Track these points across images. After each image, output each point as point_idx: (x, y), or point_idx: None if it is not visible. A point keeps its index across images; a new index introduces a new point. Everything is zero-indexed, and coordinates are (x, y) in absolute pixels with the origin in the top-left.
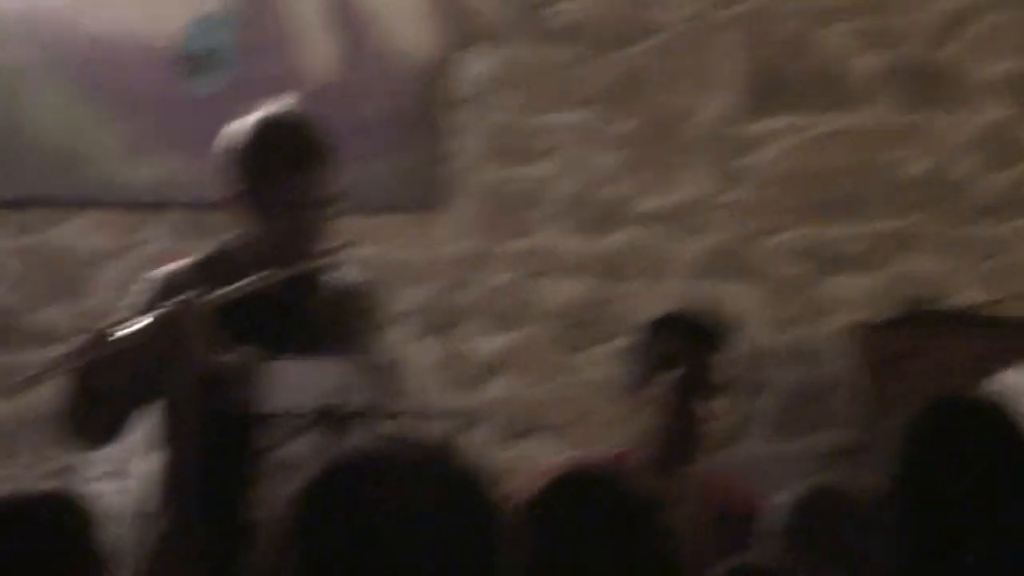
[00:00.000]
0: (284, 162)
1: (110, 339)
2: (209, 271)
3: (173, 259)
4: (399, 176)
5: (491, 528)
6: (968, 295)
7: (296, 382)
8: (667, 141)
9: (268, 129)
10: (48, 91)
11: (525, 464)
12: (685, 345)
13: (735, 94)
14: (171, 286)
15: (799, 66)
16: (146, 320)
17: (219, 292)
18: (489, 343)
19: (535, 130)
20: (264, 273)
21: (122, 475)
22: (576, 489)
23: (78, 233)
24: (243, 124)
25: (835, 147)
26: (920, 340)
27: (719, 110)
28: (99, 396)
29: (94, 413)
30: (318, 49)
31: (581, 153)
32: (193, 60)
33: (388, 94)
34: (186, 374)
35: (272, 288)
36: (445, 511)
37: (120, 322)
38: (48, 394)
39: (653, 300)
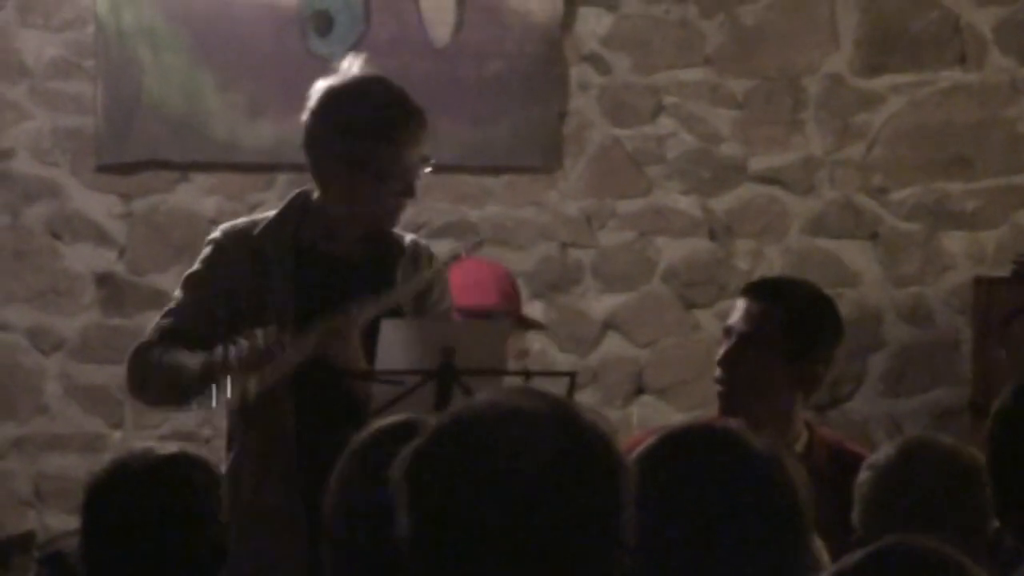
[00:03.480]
0: (380, 129)
1: (285, 350)
2: (288, 228)
3: None
4: (519, 136)
5: (615, 481)
6: None
7: (414, 340)
8: (784, 99)
9: (364, 94)
10: (168, 54)
11: (639, 423)
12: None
13: (852, 51)
14: (246, 239)
15: (917, 22)
16: (312, 334)
17: (374, 303)
18: (605, 302)
19: (652, 89)
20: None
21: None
22: (695, 442)
23: (192, 197)
24: (329, 85)
25: (952, 103)
26: None
27: (836, 67)
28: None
29: (160, 392)
30: (439, 8)
31: (699, 111)
32: (315, 21)
33: (508, 54)
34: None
35: (362, 255)
36: (569, 465)
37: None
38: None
39: (770, 258)
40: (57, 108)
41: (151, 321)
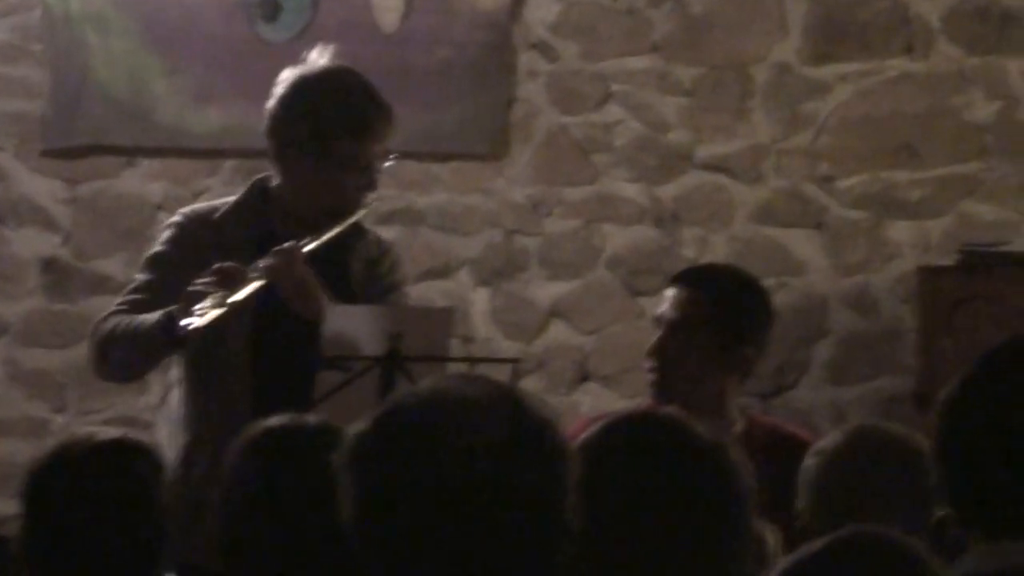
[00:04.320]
0: (348, 122)
1: (230, 301)
2: (248, 214)
3: None
4: (466, 122)
5: (559, 467)
6: None
7: (360, 326)
8: (731, 87)
9: (334, 85)
10: (116, 38)
11: (583, 411)
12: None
13: (800, 40)
14: (198, 225)
15: (864, 11)
16: (255, 276)
17: (313, 239)
18: (549, 290)
19: (599, 76)
20: (347, 221)
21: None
22: (638, 429)
23: (138, 182)
24: (297, 74)
25: (900, 92)
26: (982, 285)
27: (783, 56)
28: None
29: (124, 354)
30: None
31: (645, 99)
32: (263, 6)
33: (456, 41)
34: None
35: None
36: (513, 450)
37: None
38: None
39: (716, 247)
40: (3, 92)
41: (96, 306)
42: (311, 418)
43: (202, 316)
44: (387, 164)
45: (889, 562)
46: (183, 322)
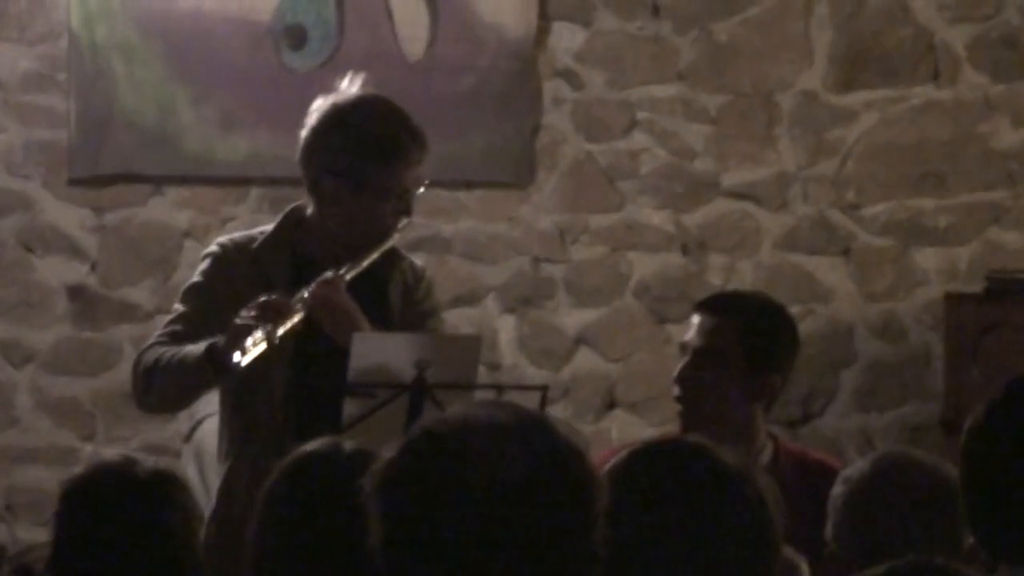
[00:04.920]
0: (382, 150)
1: (276, 334)
2: (285, 243)
3: None
4: (492, 151)
5: (588, 495)
6: None
7: (388, 354)
8: (757, 114)
9: (367, 113)
10: (141, 68)
11: (611, 437)
12: (725, 326)
13: (825, 67)
14: (237, 255)
15: (889, 38)
16: (298, 307)
17: (352, 267)
18: (575, 318)
19: (625, 104)
20: (383, 247)
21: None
22: (666, 457)
23: (165, 210)
24: (331, 104)
25: (925, 120)
26: (1008, 313)
27: (809, 83)
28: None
29: (166, 386)
30: (416, 23)
31: (671, 127)
32: (289, 35)
33: (481, 69)
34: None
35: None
36: (542, 478)
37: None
38: (127, 373)
39: (742, 274)
40: (30, 121)
41: (123, 335)
42: (347, 443)
43: (249, 351)
44: (421, 190)
45: None
46: (233, 358)
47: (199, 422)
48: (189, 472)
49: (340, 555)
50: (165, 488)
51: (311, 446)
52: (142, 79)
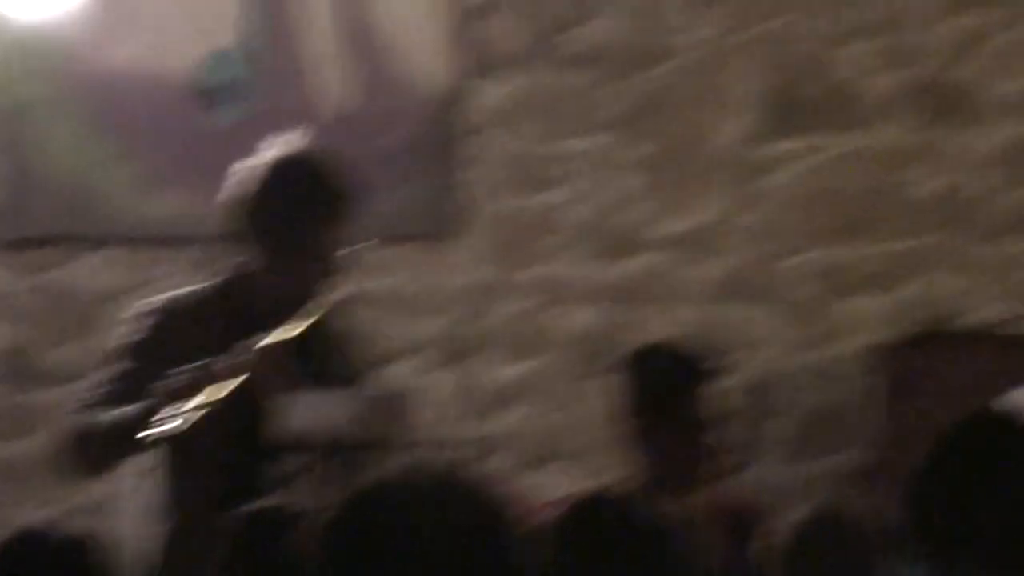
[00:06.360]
0: (304, 207)
1: (210, 402)
2: (216, 303)
3: None
4: (415, 205)
5: (515, 553)
6: (984, 313)
7: (311, 413)
8: (683, 165)
9: (289, 171)
10: (60, 127)
11: (541, 492)
12: (665, 379)
13: (751, 116)
14: (175, 313)
15: (814, 87)
16: (236, 370)
17: (284, 333)
18: (505, 371)
19: (550, 157)
20: (312, 310)
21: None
22: (595, 513)
23: (91, 271)
24: (260, 162)
25: (850, 168)
26: (936, 360)
27: (735, 133)
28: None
29: (98, 450)
30: (334, 80)
31: (596, 179)
32: (209, 93)
33: (404, 123)
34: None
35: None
36: (469, 536)
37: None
38: (54, 434)
39: (668, 325)
40: None
41: (53, 396)
42: (286, 502)
43: (183, 419)
44: (363, 247)
45: None
46: (165, 427)
47: (140, 475)
48: (124, 525)
49: None
50: (82, 555)
51: (253, 507)
52: (64, 139)
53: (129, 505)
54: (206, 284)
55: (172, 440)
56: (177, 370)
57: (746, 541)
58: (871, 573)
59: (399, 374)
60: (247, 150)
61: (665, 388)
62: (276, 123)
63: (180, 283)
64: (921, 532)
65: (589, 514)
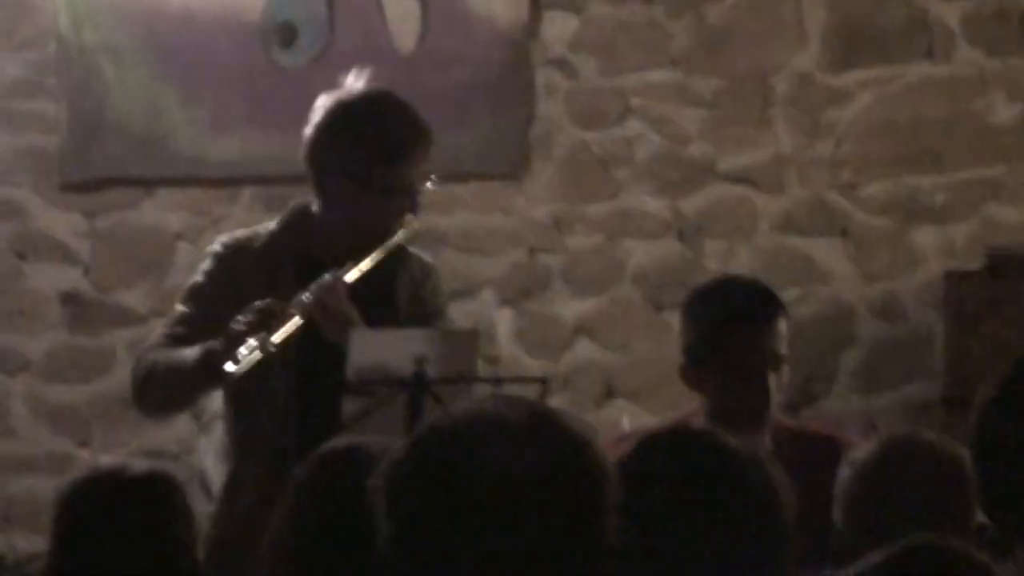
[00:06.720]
0: (372, 147)
1: (271, 342)
2: (289, 240)
3: None
4: (486, 142)
5: (598, 486)
6: None
7: (386, 350)
8: (752, 97)
9: (358, 111)
10: (131, 70)
11: (611, 428)
12: (732, 314)
13: (818, 48)
14: (240, 254)
15: (883, 18)
16: (296, 311)
17: (352, 269)
18: (576, 307)
19: (619, 91)
20: (386, 246)
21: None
22: (676, 446)
23: (160, 212)
24: (330, 101)
25: (921, 97)
26: (1008, 289)
27: (803, 65)
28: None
29: (165, 390)
30: (404, 17)
31: (665, 113)
32: (279, 33)
33: (475, 60)
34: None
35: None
36: (551, 471)
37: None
38: (123, 377)
39: (740, 258)
40: (19, 127)
41: (118, 339)
42: (369, 441)
43: (244, 359)
44: (429, 186)
45: (957, 573)
46: (225, 367)
47: (215, 415)
48: (207, 463)
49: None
50: (160, 490)
51: (336, 443)
52: (131, 81)
53: (207, 444)
54: (272, 225)
55: (236, 379)
56: (245, 310)
57: (824, 473)
58: (943, 507)
59: (468, 311)
60: (318, 90)
61: (733, 323)
62: (349, 62)
63: (246, 224)
64: (985, 467)
65: (665, 449)
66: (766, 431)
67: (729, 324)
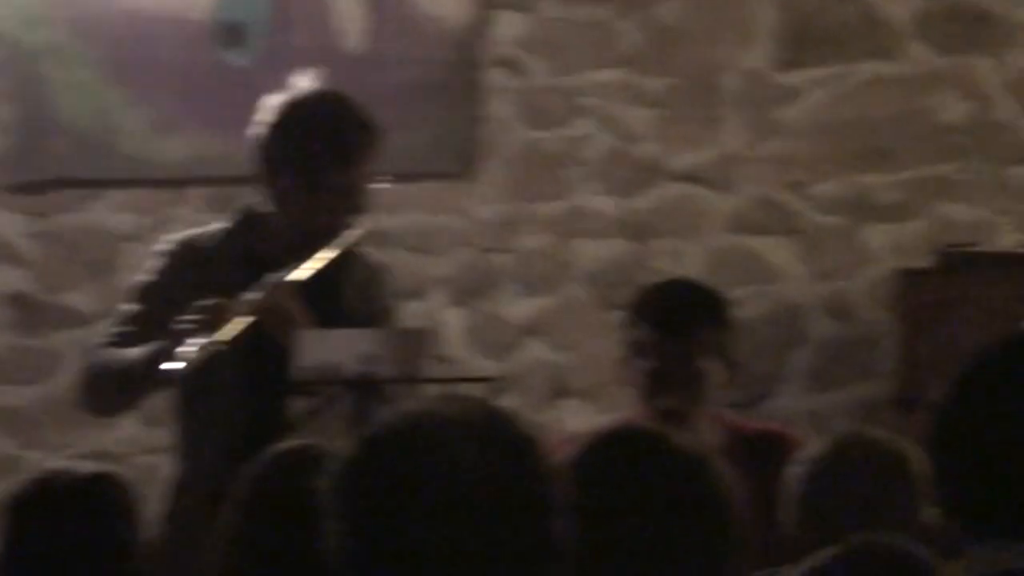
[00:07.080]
0: (320, 146)
1: (215, 340)
2: (232, 243)
3: None
4: (435, 142)
5: (546, 486)
6: (1009, 240)
7: (332, 350)
8: (701, 96)
9: (306, 110)
10: (76, 70)
11: (560, 428)
12: (679, 315)
13: (769, 46)
14: (189, 253)
15: (833, 15)
16: (243, 310)
17: (297, 271)
18: (526, 306)
19: (568, 90)
20: (335, 245)
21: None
22: (624, 445)
23: (106, 213)
24: (277, 101)
25: (872, 95)
26: (959, 287)
27: (753, 63)
28: (118, 381)
29: (111, 390)
30: (351, 17)
31: (614, 112)
32: (226, 32)
33: (422, 60)
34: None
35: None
36: (499, 471)
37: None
38: (70, 379)
39: (689, 257)
40: None
41: (65, 341)
42: (308, 442)
43: (188, 359)
44: (383, 186)
45: (900, 571)
46: (167, 365)
47: None
48: None
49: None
50: (105, 491)
51: (287, 444)
52: (78, 82)
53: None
54: (222, 225)
55: (182, 378)
56: (190, 309)
57: (771, 471)
58: (891, 506)
59: (418, 311)
60: (265, 90)
61: (679, 324)
62: (296, 62)
63: (194, 225)
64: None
65: (613, 448)
66: (716, 427)
67: (655, 331)
